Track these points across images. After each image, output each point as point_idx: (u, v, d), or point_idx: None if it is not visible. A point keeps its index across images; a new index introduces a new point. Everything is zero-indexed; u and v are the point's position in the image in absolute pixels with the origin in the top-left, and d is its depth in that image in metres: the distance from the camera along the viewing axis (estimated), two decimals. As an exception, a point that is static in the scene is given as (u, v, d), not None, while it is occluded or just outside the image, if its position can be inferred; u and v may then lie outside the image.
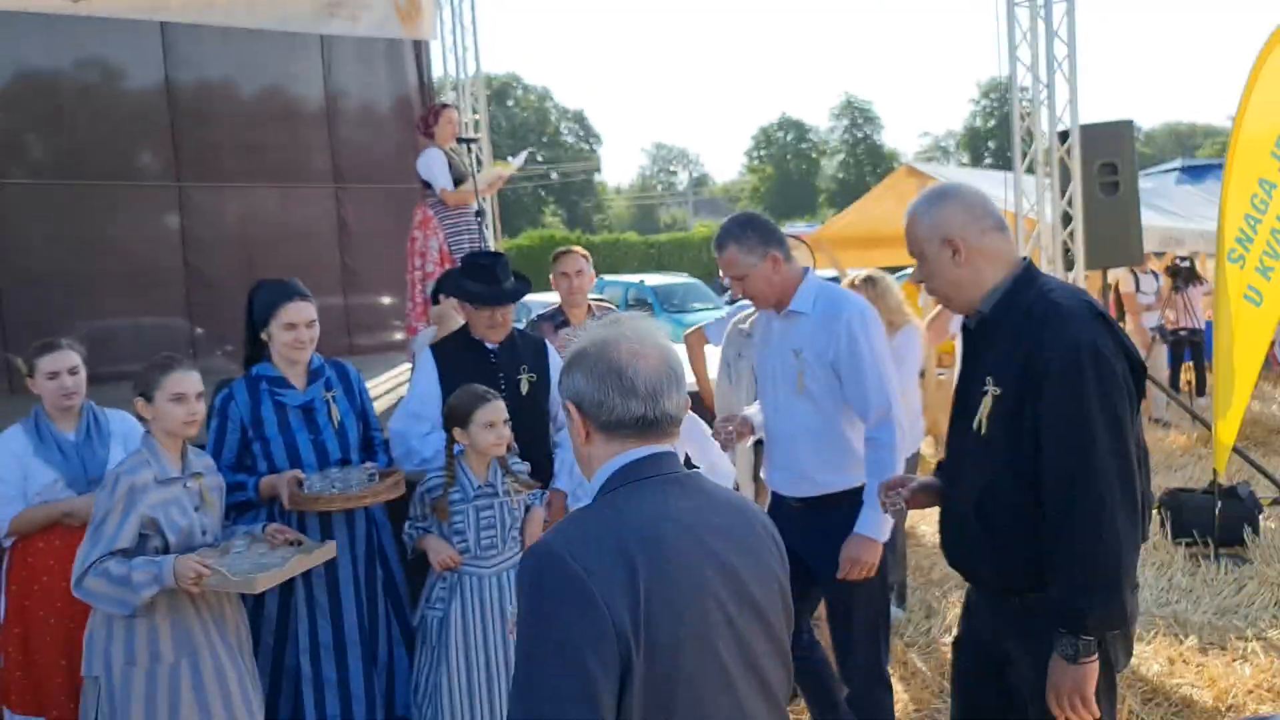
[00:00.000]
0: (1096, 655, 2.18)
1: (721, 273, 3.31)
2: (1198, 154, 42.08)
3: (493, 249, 6.16)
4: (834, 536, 3.15)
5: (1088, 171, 6.31)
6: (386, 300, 9.61)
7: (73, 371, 3.37)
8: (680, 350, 3.03)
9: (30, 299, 8.28)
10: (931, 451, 8.92)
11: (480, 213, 5.91)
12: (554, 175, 59.12)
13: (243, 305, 3.48)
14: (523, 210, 51.64)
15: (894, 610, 5.12)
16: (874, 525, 3.11)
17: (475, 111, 10.40)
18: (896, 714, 4.04)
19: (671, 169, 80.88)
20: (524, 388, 3.69)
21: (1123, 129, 6.52)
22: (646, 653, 1.45)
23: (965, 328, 2.49)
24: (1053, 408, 2.20)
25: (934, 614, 5.21)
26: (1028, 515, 2.24)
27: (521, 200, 53.89)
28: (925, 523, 6.86)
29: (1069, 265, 6.39)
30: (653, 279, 18.83)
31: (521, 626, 1.50)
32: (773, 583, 1.69)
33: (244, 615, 3.12)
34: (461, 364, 3.61)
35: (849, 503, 3.17)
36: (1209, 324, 10.50)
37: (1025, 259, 2.44)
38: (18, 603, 3.33)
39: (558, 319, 4.91)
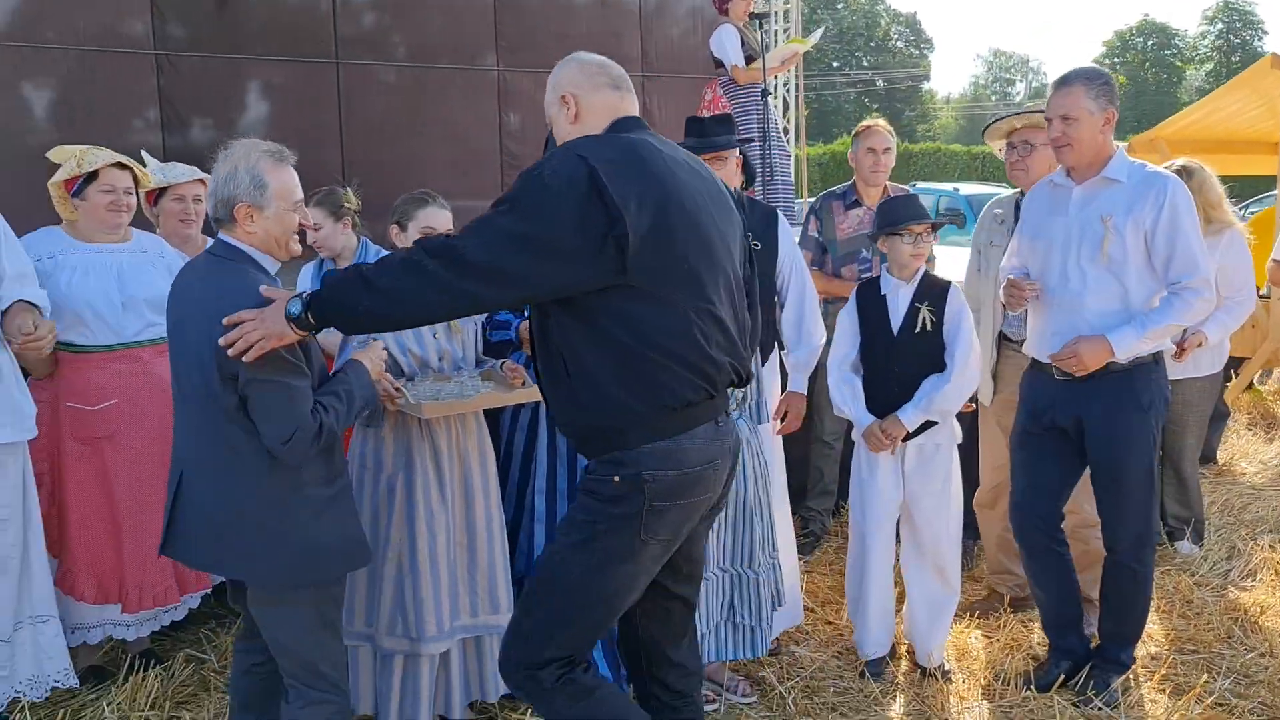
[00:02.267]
0: None
1: (1046, 111, 3.25)
2: None
3: (780, 129, 6.01)
4: (1105, 406, 3.20)
5: None
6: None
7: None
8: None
9: (373, 180, 9.08)
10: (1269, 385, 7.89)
11: (766, 92, 5.75)
12: (879, 82, 56.89)
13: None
14: (843, 117, 50.19)
15: (1188, 546, 4.65)
16: (1123, 342, 3.12)
17: (787, 2, 10.10)
18: (1170, 653, 3.68)
19: (1009, 78, 75.36)
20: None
21: None
22: None
23: None
24: None
25: (1237, 555, 4.63)
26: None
27: (842, 107, 52.41)
28: (1244, 460, 6.11)
29: None
30: (968, 188, 17.74)
31: None
32: None
33: (480, 441, 3.22)
34: None
35: (1122, 373, 3.19)
36: None
37: (627, 117, 2.36)
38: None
39: (849, 198, 4.65)
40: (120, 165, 3.31)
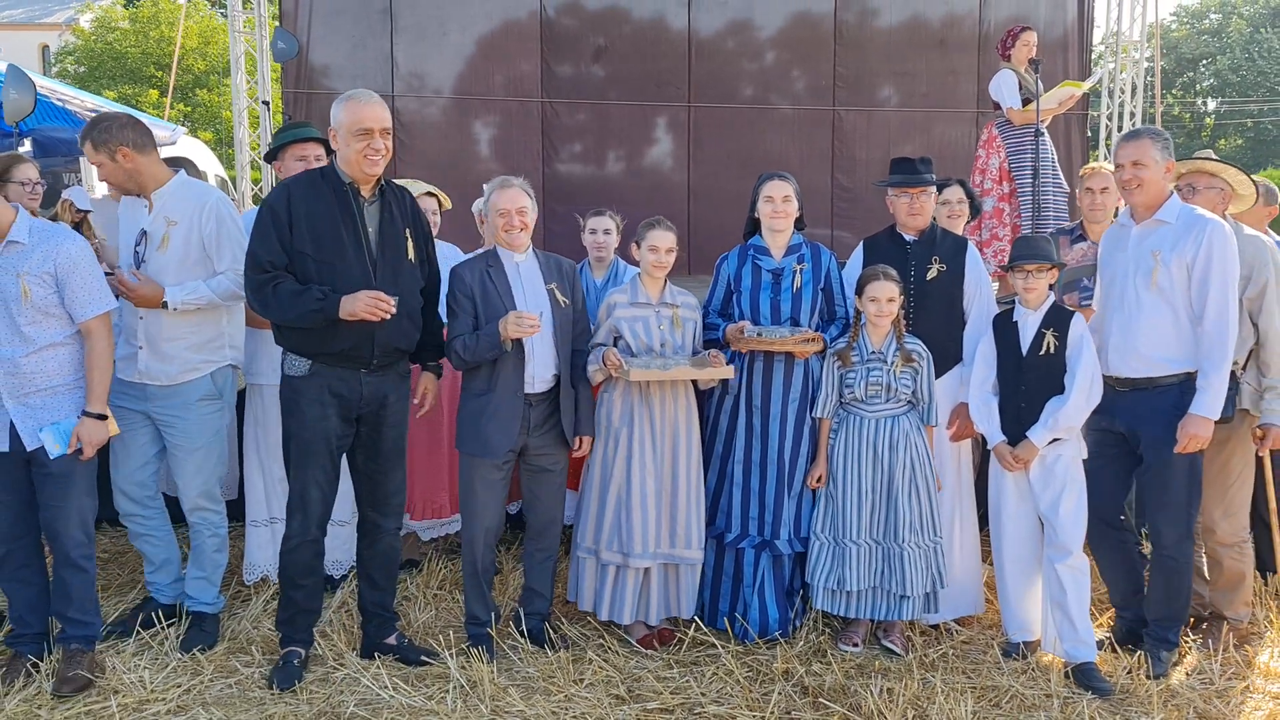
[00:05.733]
0: None
1: (1116, 159, 3.85)
2: None
3: (1055, 168, 6.30)
4: (1159, 414, 3.74)
5: None
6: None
7: (606, 232, 4.75)
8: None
9: (712, 204, 10.21)
10: None
11: (1039, 133, 6.08)
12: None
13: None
14: (1270, 146, 44.42)
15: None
16: (1207, 407, 3.67)
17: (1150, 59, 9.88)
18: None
19: None
20: (930, 274, 4.17)
21: None
22: None
23: None
24: None
25: None
26: None
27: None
28: None
29: None
30: None
31: None
32: None
33: (688, 415, 4.06)
34: (882, 251, 4.24)
35: (1174, 387, 3.75)
36: None
37: None
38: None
39: (1075, 233, 5.01)
40: (428, 194, 4.62)
